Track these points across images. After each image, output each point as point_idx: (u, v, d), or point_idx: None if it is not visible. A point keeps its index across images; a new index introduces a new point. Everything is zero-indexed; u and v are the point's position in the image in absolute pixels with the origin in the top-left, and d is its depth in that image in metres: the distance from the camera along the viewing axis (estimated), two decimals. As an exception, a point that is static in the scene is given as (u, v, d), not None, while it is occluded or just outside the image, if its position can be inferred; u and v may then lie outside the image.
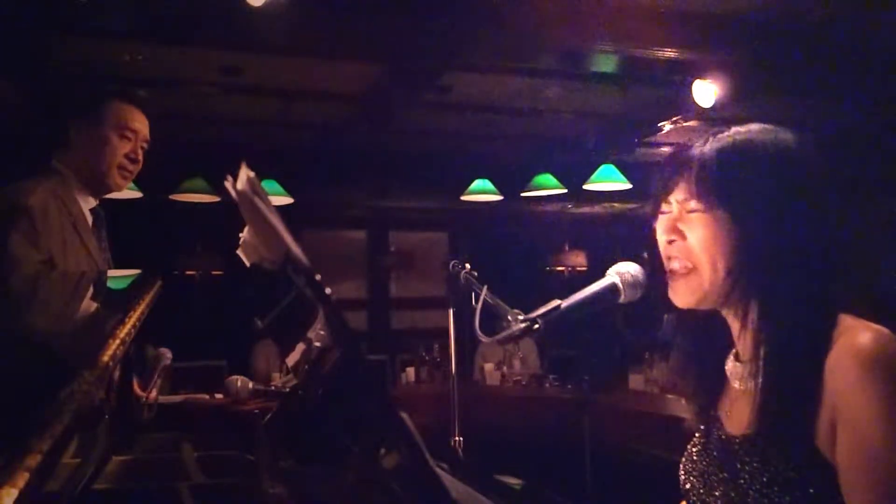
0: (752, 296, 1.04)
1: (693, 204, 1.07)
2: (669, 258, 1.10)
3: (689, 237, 1.07)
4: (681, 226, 1.08)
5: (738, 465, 1.02)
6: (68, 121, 2.07)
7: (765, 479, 0.98)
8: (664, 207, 1.11)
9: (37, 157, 2.10)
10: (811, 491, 0.95)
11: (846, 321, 0.99)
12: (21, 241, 1.81)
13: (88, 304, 1.75)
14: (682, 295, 1.10)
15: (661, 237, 1.11)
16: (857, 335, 0.95)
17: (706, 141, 1.10)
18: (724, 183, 1.05)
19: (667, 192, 1.11)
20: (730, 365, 1.12)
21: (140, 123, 2.14)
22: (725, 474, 1.05)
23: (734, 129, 1.10)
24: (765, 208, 1.03)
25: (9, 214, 1.85)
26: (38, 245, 1.84)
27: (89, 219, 2.06)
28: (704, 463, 1.10)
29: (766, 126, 1.10)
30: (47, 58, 4.45)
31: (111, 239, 2.22)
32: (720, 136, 1.09)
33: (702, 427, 1.15)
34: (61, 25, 3.86)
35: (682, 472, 1.15)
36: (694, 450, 1.14)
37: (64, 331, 1.68)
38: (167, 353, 2.14)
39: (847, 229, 1.04)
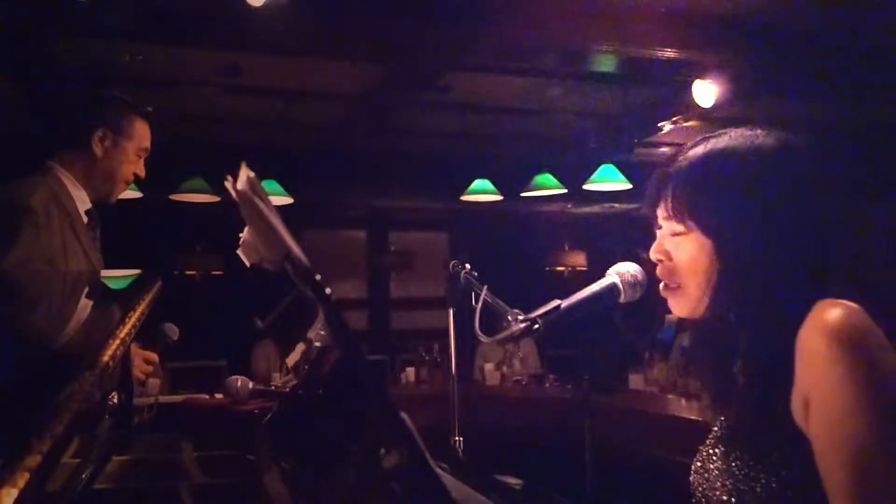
0: (743, 304, 1.05)
1: (674, 226, 1.09)
2: (660, 276, 1.13)
3: (675, 257, 1.10)
4: (667, 246, 1.11)
5: (732, 455, 1.04)
6: (92, 128, 2.08)
7: (751, 462, 1.00)
8: (659, 221, 1.13)
9: (35, 157, 2.10)
10: (796, 470, 0.96)
11: (819, 302, 0.98)
12: (24, 240, 1.81)
13: (85, 305, 1.76)
14: (674, 308, 1.13)
15: (651, 257, 1.14)
16: (825, 311, 0.96)
17: (682, 156, 1.10)
18: (695, 205, 1.06)
19: (653, 209, 1.13)
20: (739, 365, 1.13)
21: (149, 143, 2.20)
22: (724, 466, 1.06)
23: (712, 138, 1.10)
24: (739, 226, 1.03)
25: (11, 214, 1.85)
26: (41, 245, 1.84)
27: (84, 219, 2.07)
28: (711, 459, 1.11)
29: (745, 130, 1.09)
30: (48, 58, 4.45)
31: (111, 239, 2.22)
32: (695, 150, 1.10)
33: (714, 427, 1.16)
34: (61, 25, 3.87)
35: (693, 472, 1.15)
36: (705, 450, 1.15)
37: (64, 331, 1.69)
38: (173, 330, 2.17)
39: (840, 231, 1.04)
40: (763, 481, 0.98)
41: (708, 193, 1.06)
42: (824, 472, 0.93)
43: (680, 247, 1.09)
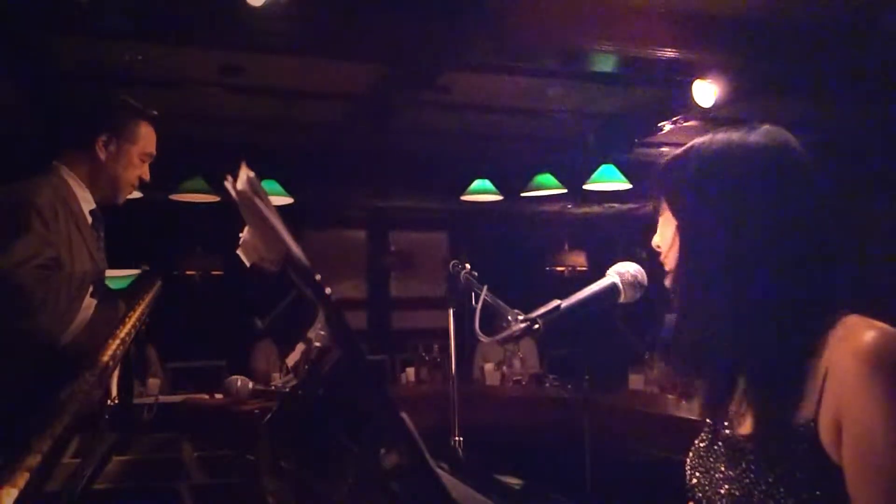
0: (725, 297, 1.05)
1: (666, 214, 1.13)
2: (662, 262, 1.15)
3: (664, 245, 1.14)
4: (663, 233, 1.15)
5: (744, 464, 1.02)
6: (96, 133, 2.08)
7: (770, 480, 0.98)
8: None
9: (38, 157, 2.10)
10: (817, 493, 0.94)
11: (850, 319, 0.98)
12: (31, 239, 1.81)
13: (89, 304, 1.76)
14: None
15: (653, 244, 1.16)
16: (860, 334, 0.95)
17: (677, 152, 1.14)
18: (669, 185, 1.11)
19: (655, 201, 1.17)
20: None
21: (154, 147, 2.20)
22: (731, 472, 1.04)
23: (709, 134, 1.12)
24: (702, 208, 1.06)
25: (18, 213, 1.85)
26: (47, 243, 1.85)
27: (88, 220, 2.07)
28: (711, 459, 1.10)
29: (740, 128, 1.11)
30: (48, 58, 4.45)
31: (111, 239, 2.22)
32: (688, 146, 1.13)
33: (709, 422, 1.16)
34: (61, 26, 3.87)
35: (689, 468, 1.15)
36: (701, 445, 1.14)
37: (68, 330, 1.69)
38: None
39: (829, 229, 1.04)
40: (782, 500, 0.96)
41: (682, 174, 1.10)
42: (855, 496, 0.92)
43: (668, 234, 1.12)
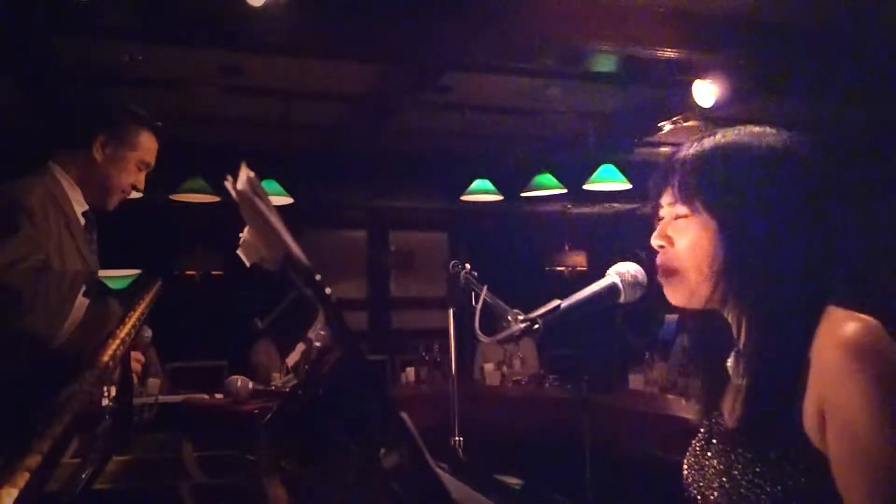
0: (743, 294, 1.05)
1: (679, 208, 1.09)
2: (659, 263, 1.12)
3: (677, 243, 1.09)
4: (670, 231, 1.11)
5: (733, 456, 1.04)
6: (94, 133, 2.06)
7: (757, 470, 1.00)
8: (660, 212, 1.13)
9: (36, 157, 2.10)
10: (802, 480, 0.96)
11: (834, 312, 0.99)
12: (21, 239, 1.81)
13: (81, 304, 1.76)
14: (671, 296, 1.12)
15: (653, 243, 1.13)
16: (843, 325, 0.96)
17: (691, 144, 1.11)
18: (705, 186, 1.06)
19: (657, 197, 1.13)
20: (731, 361, 1.13)
21: (153, 157, 2.17)
22: (722, 466, 1.06)
23: (721, 131, 1.11)
24: (747, 210, 1.03)
25: (8, 212, 1.85)
26: (37, 243, 1.84)
27: (81, 220, 2.06)
28: (706, 455, 1.12)
29: (753, 128, 1.10)
30: (48, 58, 4.45)
31: (111, 239, 2.22)
32: (705, 139, 1.10)
33: (705, 422, 1.17)
34: (61, 25, 3.87)
35: (686, 466, 1.16)
36: (697, 445, 1.16)
37: (63, 331, 1.69)
38: (147, 330, 2.17)
39: (837, 229, 1.04)
40: (769, 489, 0.98)
41: (717, 174, 1.06)
42: (843, 485, 0.93)
43: (683, 230, 1.08)
